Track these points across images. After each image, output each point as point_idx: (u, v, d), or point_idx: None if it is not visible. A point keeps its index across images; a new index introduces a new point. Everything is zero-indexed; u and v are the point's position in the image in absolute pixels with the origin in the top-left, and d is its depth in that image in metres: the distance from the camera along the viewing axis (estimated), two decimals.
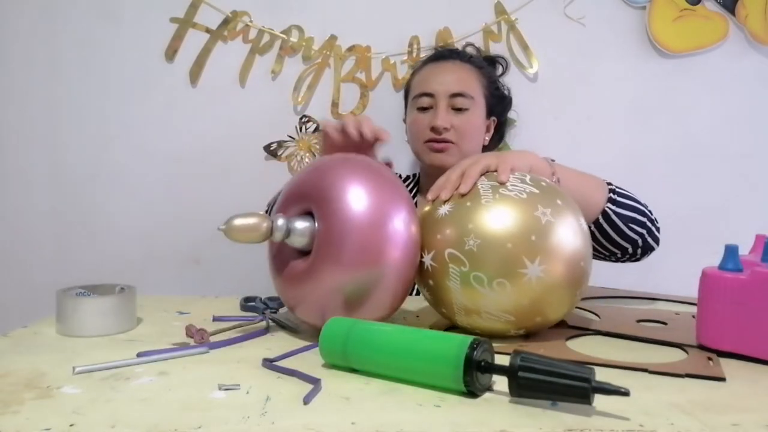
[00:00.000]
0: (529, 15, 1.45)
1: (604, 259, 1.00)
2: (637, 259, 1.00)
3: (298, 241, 0.73)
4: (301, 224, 0.73)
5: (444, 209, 0.73)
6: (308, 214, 0.75)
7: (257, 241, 0.72)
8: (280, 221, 0.72)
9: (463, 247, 0.69)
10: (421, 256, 0.73)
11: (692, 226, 1.44)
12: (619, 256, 0.98)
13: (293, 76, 1.47)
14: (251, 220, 0.71)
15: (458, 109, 1.17)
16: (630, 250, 0.97)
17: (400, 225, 0.70)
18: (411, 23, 1.46)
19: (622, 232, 0.93)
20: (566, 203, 0.72)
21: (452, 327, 0.77)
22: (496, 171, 0.75)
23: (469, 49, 1.37)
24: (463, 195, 0.73)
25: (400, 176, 1.35)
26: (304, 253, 0.75)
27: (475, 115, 1.20)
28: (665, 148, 1.46)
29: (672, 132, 1.46)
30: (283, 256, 0.77)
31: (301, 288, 0.74)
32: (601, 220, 0.92)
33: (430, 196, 0.78)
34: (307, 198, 0.75)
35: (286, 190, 0.80)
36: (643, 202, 0.97)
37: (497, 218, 0.69)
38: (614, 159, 1.46)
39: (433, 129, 1.16)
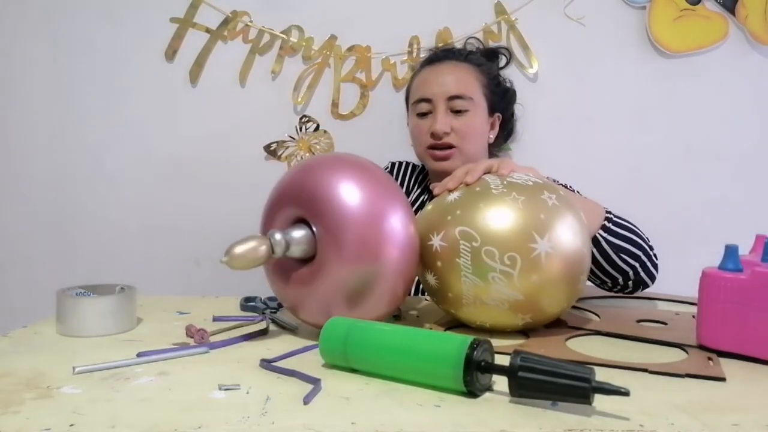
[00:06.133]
0: (529, 15, 1.45)
1: (599, 286, 1.00)
2: (630, 292, 1.00)
3: (297, 251, 0.72)
4: (298, 233, 0.72)
5: (453, 196, 0.76)
6: (299, 221, 0.74)
7: (261, 263, 0.70)
8: (278, 236, 0.70)
9: (475, 223, 0.71)
10: (430, 239, 0.74)
11: (692, 226, 1.44)
12: (610, 285, 0.98)
13: (293, 76, 1.47)
14: (251, 244, 0.69)
15: (458, 111, 1.14)
16: (620, 281, 0.96)
17: (397, 223, 0.71)
18: (411, 23, 1.46)
19: (612, 261, 0.93)
20: (567, 195, 0.77)
21: (452, 327, 0.77)
22: (497, 171, 0.80)
23: (471, 45, 1.34)
24: (468, 185, 0.77)
25: (408, 164, 1.32)
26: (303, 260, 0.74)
27: (476, 116, 1.17)
28: (665, 148, 1.46)
29: (672, 132, 1.46)
30: (282, 264, 0.76)
31: (306, 290, 0.73)
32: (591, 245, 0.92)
33: (436, 191, 0.81)
34: (296, 201, 0.73)
35: (272, 197, 0.77)
36: (644, 236, 0.96)
37: (508, 198, 0.72)
38: (614, 159, 1.46)
39: (433, 134, 1.14)
